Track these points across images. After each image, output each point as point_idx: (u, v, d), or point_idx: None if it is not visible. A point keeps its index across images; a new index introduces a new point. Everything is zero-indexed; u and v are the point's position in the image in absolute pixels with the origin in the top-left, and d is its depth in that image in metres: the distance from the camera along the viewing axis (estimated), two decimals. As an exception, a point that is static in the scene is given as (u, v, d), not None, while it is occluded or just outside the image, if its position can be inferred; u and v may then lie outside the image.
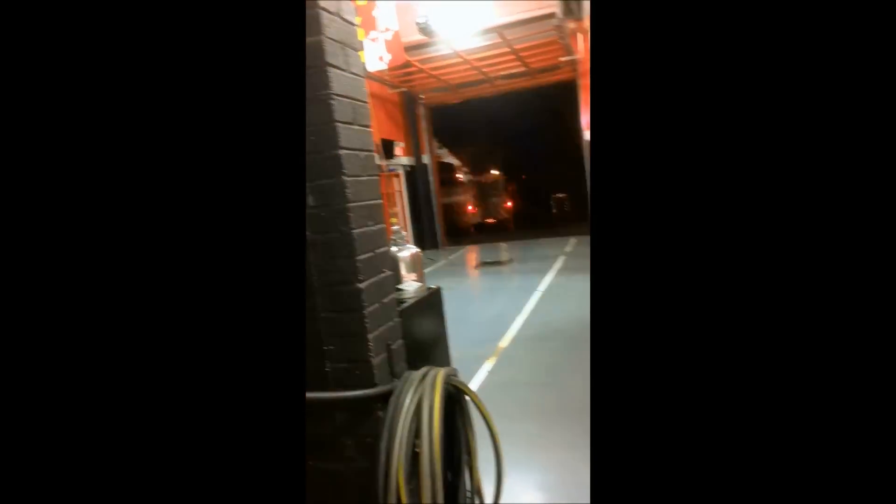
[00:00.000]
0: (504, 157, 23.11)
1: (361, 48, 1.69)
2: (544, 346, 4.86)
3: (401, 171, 13.31)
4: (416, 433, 1.61)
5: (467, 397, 1.84)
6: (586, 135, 12.22)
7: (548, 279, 7.95)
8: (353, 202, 1.61)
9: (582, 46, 11.63)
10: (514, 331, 5.42)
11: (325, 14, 1.56)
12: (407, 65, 10.36)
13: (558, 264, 9.24)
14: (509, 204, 18.91)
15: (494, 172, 18.89)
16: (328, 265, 1.62)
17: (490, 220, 17.49)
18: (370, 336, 1.64)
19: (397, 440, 1.58)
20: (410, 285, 2.40)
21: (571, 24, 11.00)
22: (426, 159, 14.20)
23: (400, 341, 1.85)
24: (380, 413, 1.67)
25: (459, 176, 18.94)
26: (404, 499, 1.55)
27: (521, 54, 11.06)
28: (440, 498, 1.56)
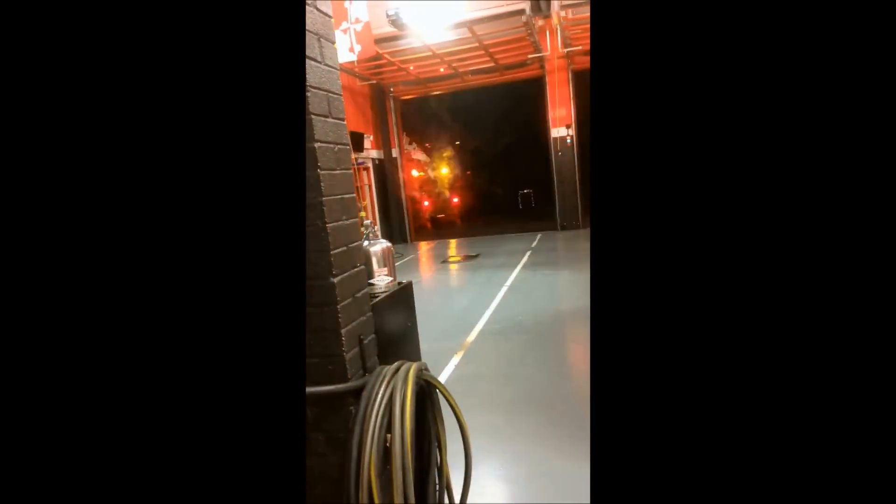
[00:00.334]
0: (470, 151, 23.20)
1: (335, 40, 1.68)
2: (510, 340, 4.92)
3: (370, 165, 13.20)
4: (387, 427, 1.62)
5: (438, 392, 1.85)
6: (553, 132, 12.38)
7: (514, 274, 8.03)
8: (328, 196, 1.60)
9: (550, 44, 11.78)
10: (481, 325, 5.47)
11: (300, 5, 1.54)
12: (377, 57, 10.28)
13: (525, 259, 9.35)
14: (456, 200, 19.10)
15: (444, 171, 19.06)
16: (301, 259, 1.60)
17: (441, 216, 17.69)
18: (343, 331, 1.63)
19: (369, 435, 1.59)
20: (382, 279, 2.40)
21: (540, 22, 11.11)
22: (395, 153, 14.12)
23: (372, 336, 1.85)
24: (351, 408, 1.67)
25: (419, 172, 19.01)
26: (376, 493, 1.56)
27: (491, 50, 11.09)
28: (411, 491, 1.57)
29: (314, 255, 1.59)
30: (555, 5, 10.61)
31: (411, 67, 11.81)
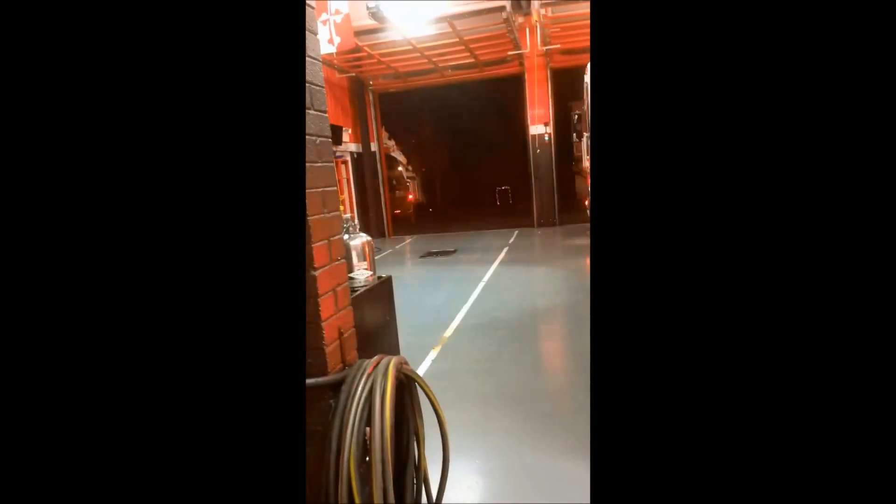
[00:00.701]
0: (448, 147, 23.22)
1: (318, 32, 1.66)
2: (487, 335, 4.95)
3: (348, 158, 13.10)
4: (367, 421, 1.62)
5: (417, 385, 1.86)
6: (532, 129, 12.45)
7: (491, 270, 8.07)
8: (310, 189, 1.59)
9: (529, 41, 11.83)
10: (458, 320, 5.49)
11: (284, -6, 1.52)
12: (356, 49, 10.19)
13: (502, 255, 9.40)
14: (410, 197, 19.22)
15: (400, 168, 19.18)
16: (281, 252, 1.59)
17: (397, 212, 17.82)
18: (323, 323, 1.63)
19: (349, 428, 1.59)
20: (361, 273, 2.39)
21: (520, 19, 11.15)
22: (374, 147, 14.03)
23: (352, 329, 1.85)
24: (330, 401, 1.66)
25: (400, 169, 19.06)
26: (355, 486, 1.56)
27: (471, 46, 11.09)
28: (390, 485, 1.57)
29: (295, 247, 1.59)
30: (535, 3, 10.67)
31: (390, 61, 11.75)
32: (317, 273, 1.60)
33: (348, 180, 13.07)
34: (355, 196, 13.23)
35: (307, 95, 1.63)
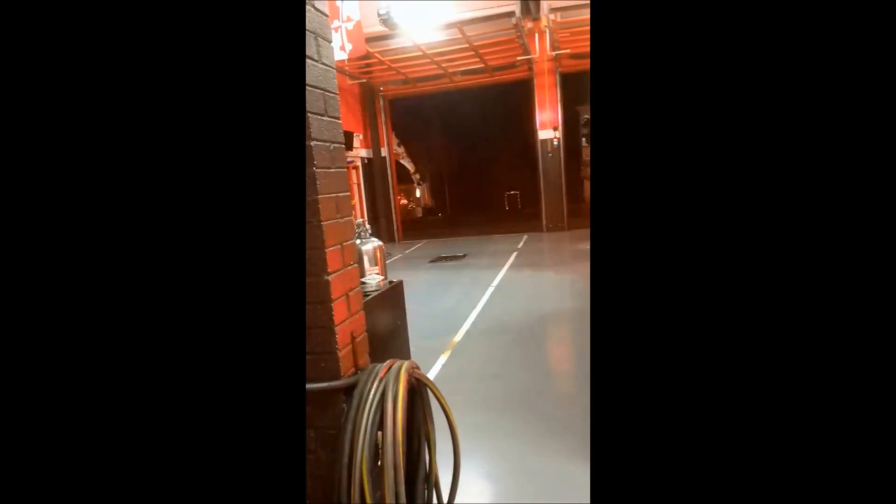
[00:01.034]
0: (458, 152, 23.25)
1: (332, 39, 1.69)
2: (496, 340, 4.95)
3: (359, 164, 13.17)
4: (379, 425, 1.63)
5: (428, 390, 1.87)
6: (541, 134, 12.46)
7: (500, 275, 8.07)
8: (323, 194, 1.61)
9: (538, 46, 11.85)
10: (467, 325, 5.49)
11: (299, 3, 1.55)
12: (367, 56, 10.26)
13: (511, 260, 9.39)
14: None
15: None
16: (296, 256, 1.61)
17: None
18: (336, 328, 1.64)
19: (361, 432, 1.60)
20: (373, 278, 2.41)
21: (529, 24, 11.17)
22: (384, 152, 14.09)
23: (364, 333, 1.87)
24: (343, 405, 1.68)
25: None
26: (367, 489, 1.57)
27: (480, 51, 11.12)
28: (402, 489, 1.58)
29: (310, 252, 1.60)
30: (544, 7, 10.69)
31: (400, 67, 11.80)
32: (330, 277, 1.62)
33: (359, 185, 13.14)
34: (366, 201, 13.29)
35: (322, 102, 1.65)
